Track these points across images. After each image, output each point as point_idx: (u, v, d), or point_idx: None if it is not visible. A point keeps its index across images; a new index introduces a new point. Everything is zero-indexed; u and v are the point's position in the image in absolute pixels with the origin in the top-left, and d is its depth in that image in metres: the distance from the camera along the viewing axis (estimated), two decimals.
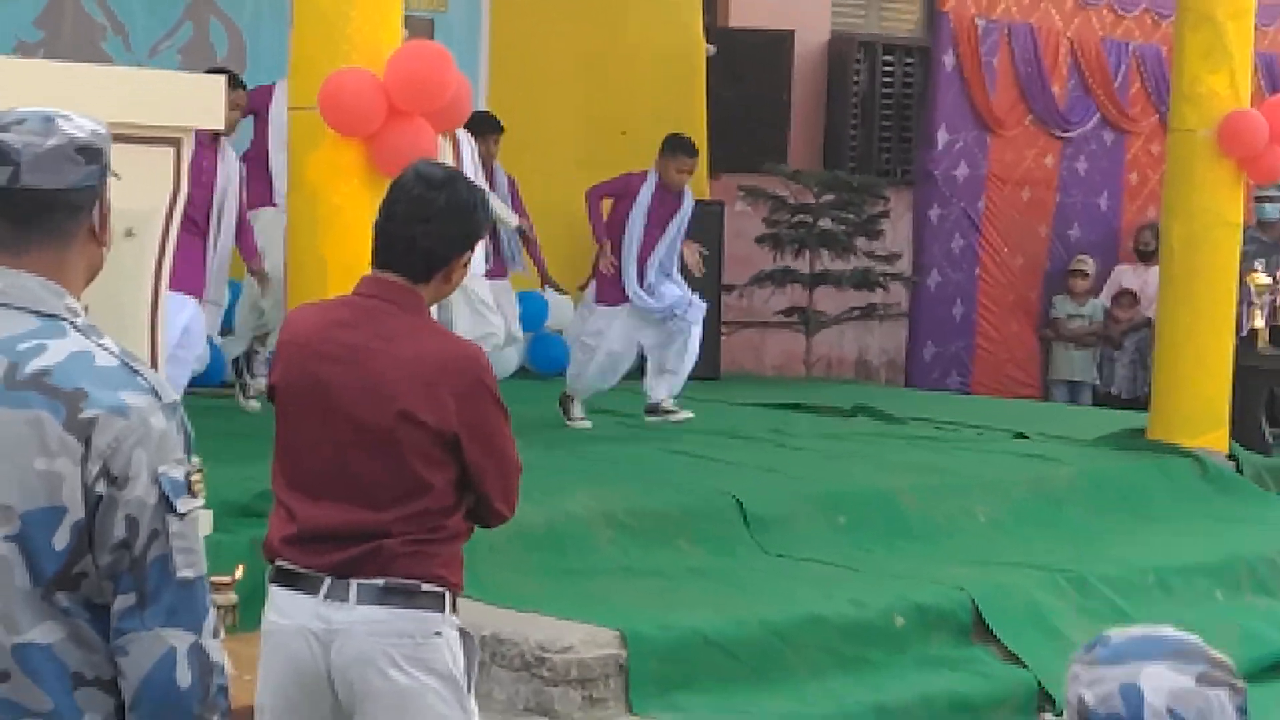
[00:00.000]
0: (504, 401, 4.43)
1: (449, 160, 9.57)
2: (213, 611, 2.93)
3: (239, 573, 6.04)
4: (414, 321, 4.38)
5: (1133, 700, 2.46)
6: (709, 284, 13.12)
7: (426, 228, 4.34)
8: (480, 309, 10.28)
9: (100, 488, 2.82)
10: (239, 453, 7.18)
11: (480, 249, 4.53)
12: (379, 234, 4.42)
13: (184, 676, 2.84)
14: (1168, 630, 2.55)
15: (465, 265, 4.45)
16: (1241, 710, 2.48)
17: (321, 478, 4.34)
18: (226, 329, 10.56)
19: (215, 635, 2.90)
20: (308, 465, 4.37)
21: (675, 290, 10.72)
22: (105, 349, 2.90)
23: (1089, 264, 16.11)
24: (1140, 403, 14.55)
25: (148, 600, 2.83)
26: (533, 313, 13.10)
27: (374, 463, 4.30)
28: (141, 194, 6.08)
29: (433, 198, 4.35)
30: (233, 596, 6.00)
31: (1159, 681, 2.47)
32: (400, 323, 4.36)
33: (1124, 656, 2.50)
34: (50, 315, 2.91)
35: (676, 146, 10.80)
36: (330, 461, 4.33)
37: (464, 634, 4.46)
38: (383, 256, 4.42)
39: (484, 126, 11.12)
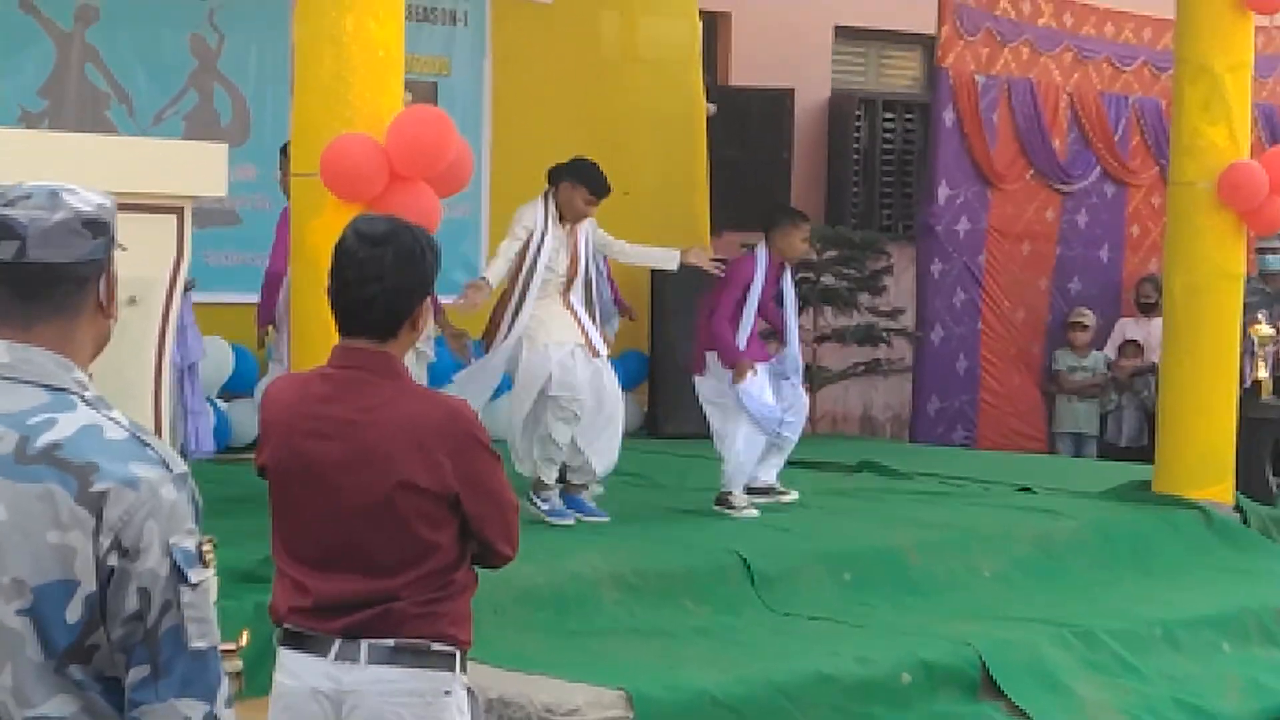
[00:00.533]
0: (493, 448, 4.44)
1: (568, 247, 9.69)
2: (225, 680, 2.93)
3: (244, 639, 6.04)
4: (393, 387, 4.37)
5: None
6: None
7: (381, 286, 4.29)
8: None
9: (112, 560, 2.83)
10: (240, 517, 7.18)
11: None
12: (335, 302, 4.38)
13: None
14: None
15: (429, 310, 4.43)
16: None
17: (326, 552, 4.34)
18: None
19: (229, 705, 2.92)
20: (310, 542, 4.37)
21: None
22: (114, 421, 2.92)
23: (1089, 316, 16.13)
24: (1145, 452, 14.56)
25: (161, 671, 2.83)
26: None
27: (378, 533, 4.30)
28: (145, 262, 6.13)
29: (380, 255, 4.30)
30: (238, 663, 6.00)
31: None
32: (380, 391, 4.34)
33: None
34: (59, 389, 2.92)
35: (794, 214, 10.67)
36: (333, 537, 4.33)
37: (471, 693, 4.48)
38: (346, 323, 4.39)
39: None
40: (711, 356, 10.31)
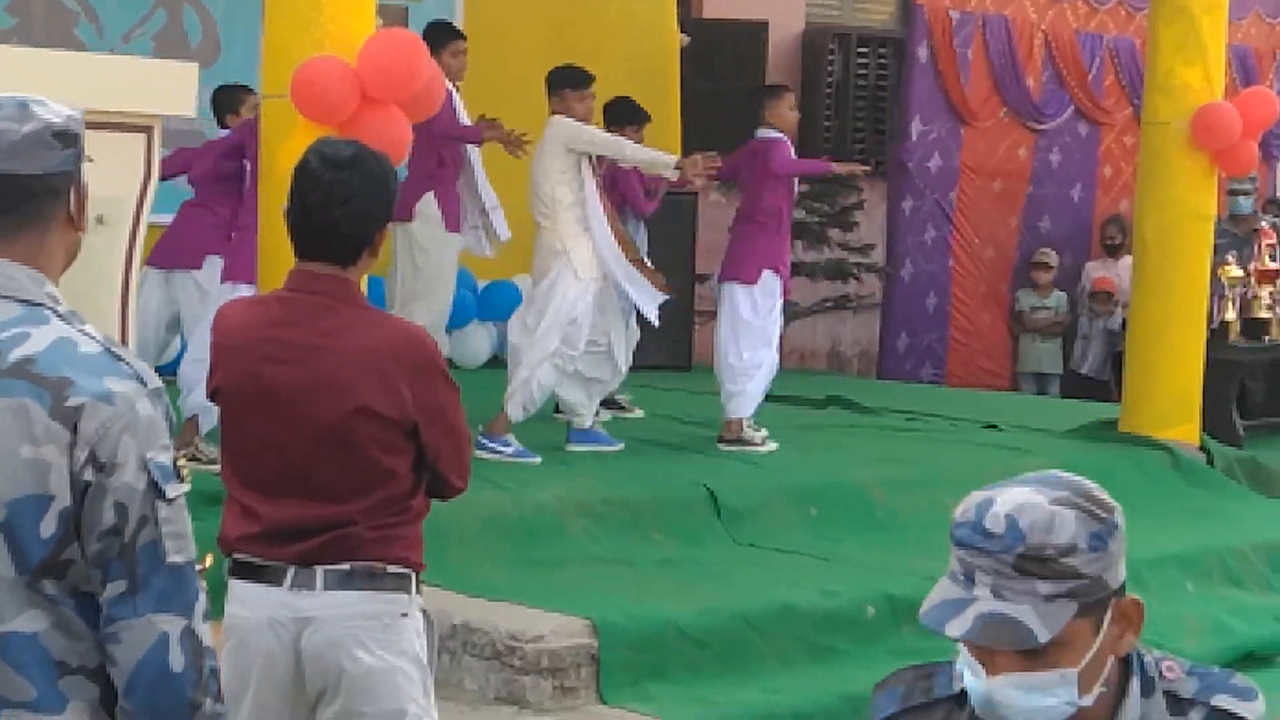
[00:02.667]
0: (452, 378, 4.41)
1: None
2: (202, 596, 2.92)
3: (208, 561, 6.01)
4: (353, 313, 4.33)
5: (983, 509, 2.54)
6: (681, 273, 13.12)
7: (345, 209, 4.25)
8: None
9: (88, 475, 2.81)
10: (208, 439, 7.16)
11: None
12: (296, 225, 4.32)
13: (177, 661, 2.83)
14: (1063, 473, 2.65)
15: (388, 236, 4.39)
16: (1098, 537, 2.56)
17: (279, 477, 4.30)
18: None
19: (205, 619, 2.90)
20: (263, 466, 4.32)
21: None
22: (88, 335, 2.89)
23: (1051, 256, 16.15)
24: (1107, 387, 14.60)
25: (139, 586, 2.82)
26: (508, 300, 13.10)
27: (333, 458, 4.27)
28: (113, 181, 6.08)
29: (346, 178, 4.26)
30: (203, 583, 5.98)
31: (1011, 496, 2.55)
32: (339, 317, 4.30)
33: (1004, 483, 2.60)
34: (32, 302, 2.90)
35: (778, 87, 10.77)
36: (287, 461, 4.29)
37: (426, 616, 4.46)
38: (305, 247, 4.33)
39: (629, 116, 10.83)
40: (767, 274, 10.09)
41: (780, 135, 10.28)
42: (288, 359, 4.29)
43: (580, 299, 9.26)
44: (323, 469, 4.28)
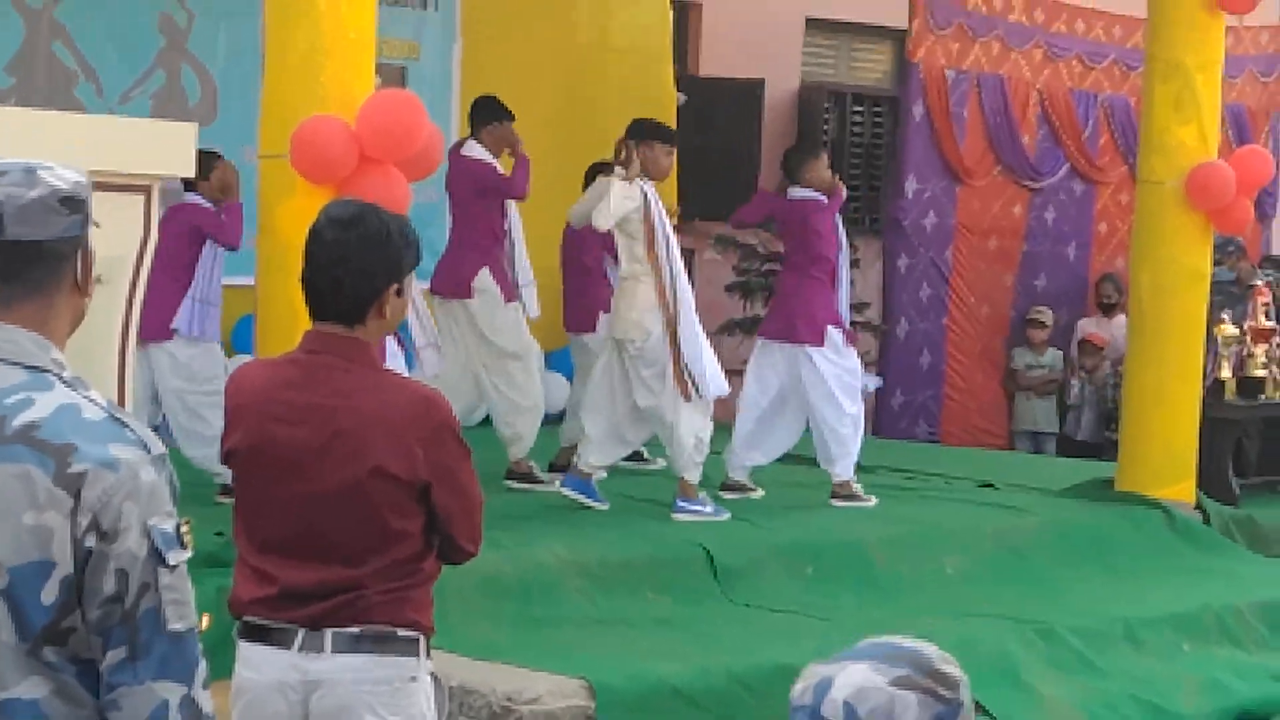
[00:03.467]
0: (465, 441, 4.41)
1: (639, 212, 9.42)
2: (203, 663, 2.92)
3: (205, 622, 6.01)
4: (365, 374, 4.34)
5: (820, 692, 2.42)
6: None
7: (347, 268, 4.28)
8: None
9: (90, 541, 2.81)
10: (203, 500, 7.16)
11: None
12: (306, 286, 4.37)
13: None
14: (905, 640, 2.50)
15: (399, 295, 4.37)
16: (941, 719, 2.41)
17: (293, 539, 4.30)
18: None
19: (205, 686, 2.90)
20: (277, 527, 4.33)
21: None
22: (92, 402, 2.89)
23: (1046, 314, 16.16)
24: (1102, 449, 14.59)
25: (139, 653, 2.82)
26: None
27: (346, 520, 4.27)
28: (113, 241, 6.06)
29: (346, 238, 4.29)
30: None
31: (850, 678, 2.42)
32: (352, 377, 4.32)
33: (844, 656, 2.47)
34: (37, 368, 2.90)
35: (813, 146, 11.00)
36: (300, 522, 4.29)
37: (435, 679, 4.45)
38: (315, 308, 4.37)
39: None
40: (833, 331, 10.23)
41: (819, 195, 10.34)
42: (301, 420, 4.30)
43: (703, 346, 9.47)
44: (335, 530, 4.28)
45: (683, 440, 9.42)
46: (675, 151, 9.94)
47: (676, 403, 9.37)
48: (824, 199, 10.36)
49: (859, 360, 10.56)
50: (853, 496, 10.30)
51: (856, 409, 10.32)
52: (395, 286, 4.35)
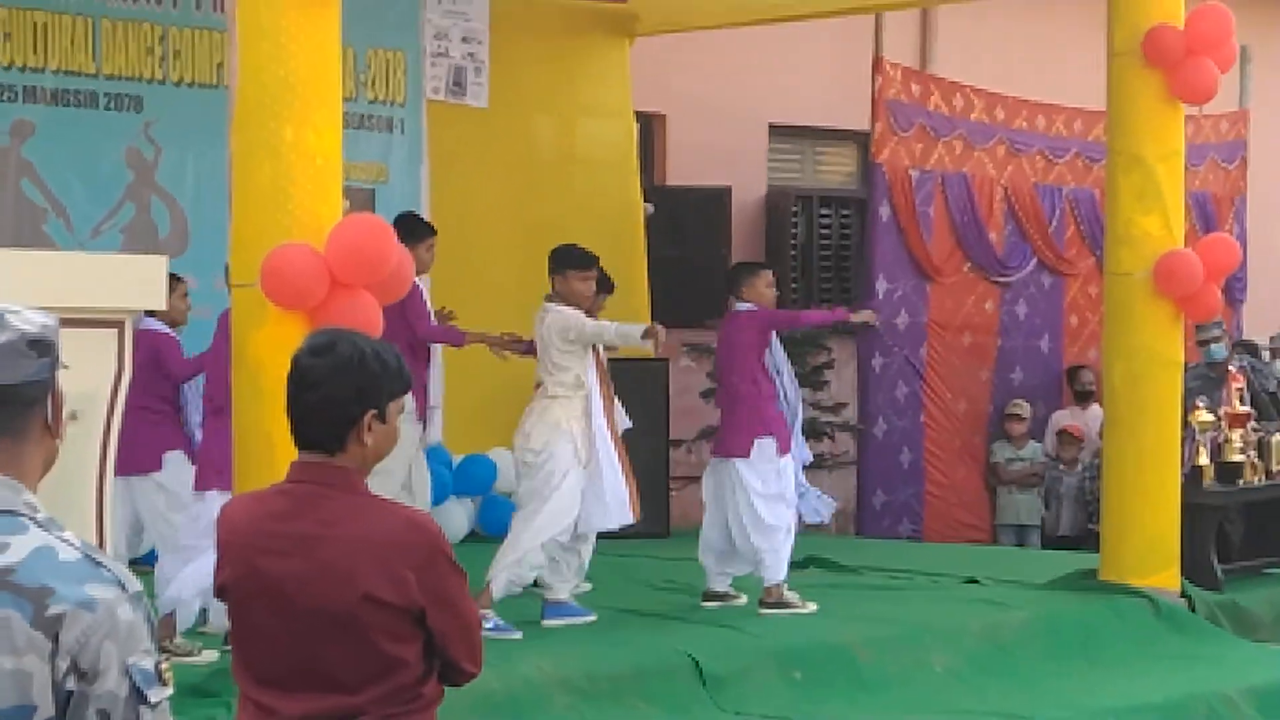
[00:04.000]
0: (457, 561, 4.40)
1: None
2: None
3: None
4: (352, 501, 4.31)
5: None
6: (656, 439, 13.17)
7: (317, 395, 4.26)
8: None
9: (70, 683, 2.80)
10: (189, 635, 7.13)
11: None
12: (288, 416, 4.36)
13: None
14: None
15: (383, 421, 4.32)
16: None
17: (290, 670, 4.26)
18: None
19: None
20: (273, 660, 4.29)
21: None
22: (67, 543, 2.90)
23: (1024, 408, 16.22)
24: (1085, 540, 14.59)
25: None
26: (481, 475, 13.09)
27: (341, 649, 4.23)
28: (86, 377, 6.08)
29: (316, 364, 4.28)
30: None
31: None
32: (338, 504, 4.29)
33: None
34: (10, 512, 2.90)
35: (755, 265, 11.00)
36: (296, 655, 4.25)
37: None
38: (297, 437, 4.35)
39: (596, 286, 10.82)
40: (762, 442, 10.25)
41: (752, 306, 10.39)
42: (289, 551, 4.27)
43: (575, 483, 9.45)
44: (331, 660, 4.24)
45: (512, 560, 9.44)
46: (591, 275, 9.93)
47: (529, 531, 9.45)
48: (755, 308, 10.42)
49: (800, 477, 10.54)
50: (782, 604, 10.17)
51: (781, 515, 10.25)
52: (372, 413, 4.32)
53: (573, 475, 9.49)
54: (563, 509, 9.48)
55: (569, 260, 9.92)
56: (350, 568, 4.22)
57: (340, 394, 4.28)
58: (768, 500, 10.23)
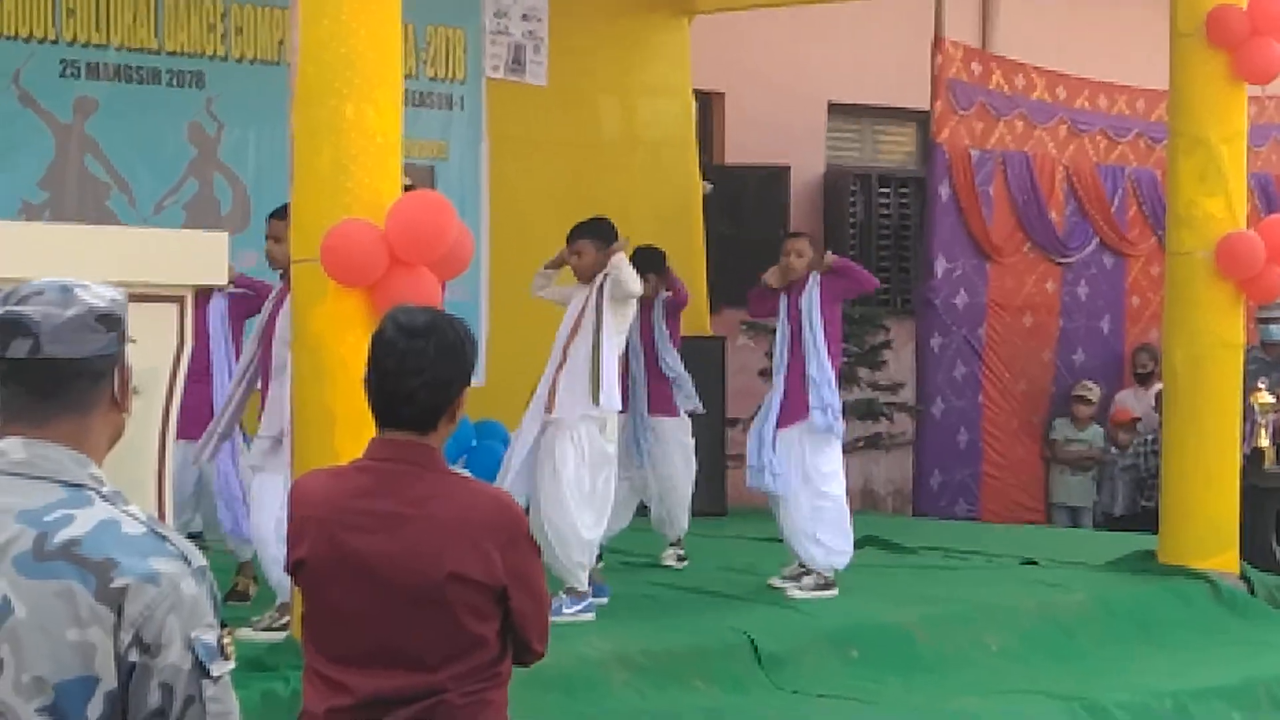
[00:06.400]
0: (535, 542, 4.42)
1: None
2: None
3: None
4: (438, 479, 4.31)
5: None
6: (714, 418, 13.15)
7: (422, 379, 4.24)
8: None
9: (133, 656, 2.82)
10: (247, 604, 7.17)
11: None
12: (375, 393, 4.32)
13: None
14: None
15: (465, 401, 4.36)
16: None
17: (370, 648, 4.25)
18: None
19: None
20: (353, 636, 4.28)
21: None
22: (132, 516, 2.92)
23: (1094, 391, 16.09)
24: (1138, 520, 14.53)
25: None
26: None
27: (424, 626, 4.22)
28: (147, 351, 6.11)
29: (421, 347, 4.25)
30: None
31: None
32: (426, 484, 4.28)
33: None
34: (76, 485, 2.92)
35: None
36: (378, 632, 4.24)
37: None
38: (385, 416, 4.33)
39: (653, 264, 10.93)
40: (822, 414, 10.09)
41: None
42: (374, 528, 4.26)
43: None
44: (414, 638, 4.24)
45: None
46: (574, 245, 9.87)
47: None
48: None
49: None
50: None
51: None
52: (465, 394, 4.33)
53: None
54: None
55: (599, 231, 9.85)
56: (439, 546, 4.22)
57: (446, 377, 4.28)
58: (828, 476, 10.18)
